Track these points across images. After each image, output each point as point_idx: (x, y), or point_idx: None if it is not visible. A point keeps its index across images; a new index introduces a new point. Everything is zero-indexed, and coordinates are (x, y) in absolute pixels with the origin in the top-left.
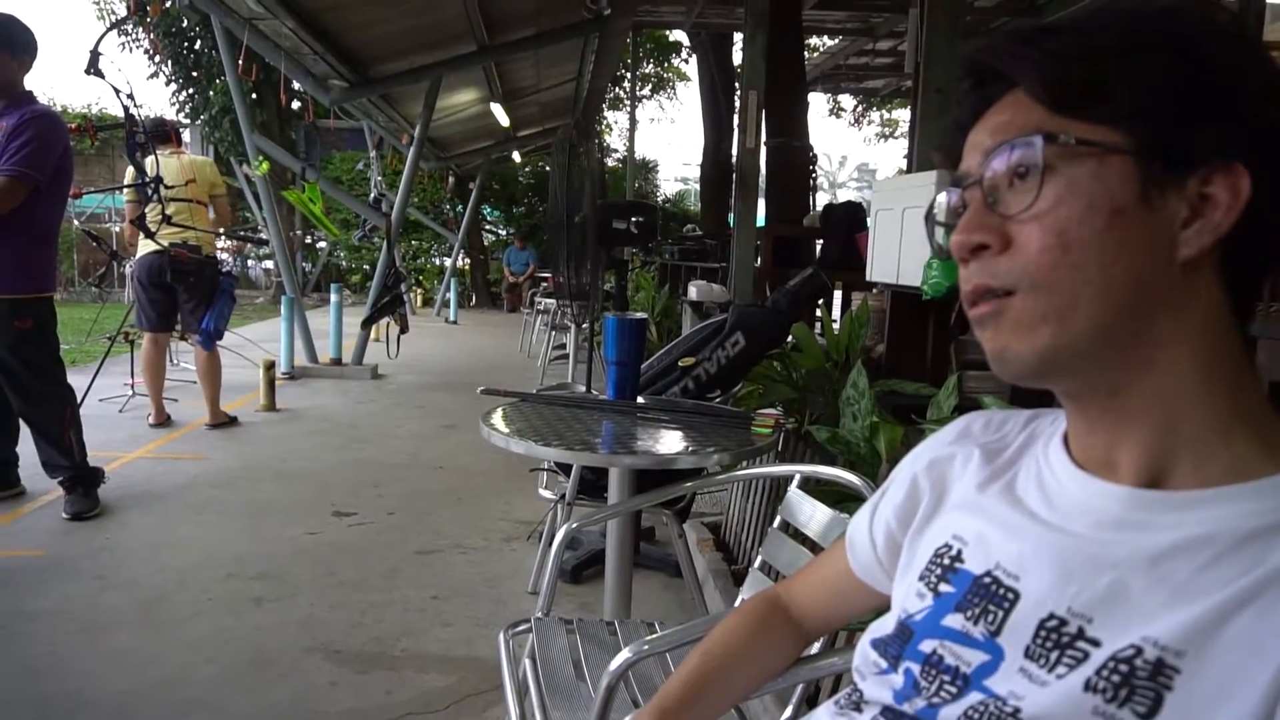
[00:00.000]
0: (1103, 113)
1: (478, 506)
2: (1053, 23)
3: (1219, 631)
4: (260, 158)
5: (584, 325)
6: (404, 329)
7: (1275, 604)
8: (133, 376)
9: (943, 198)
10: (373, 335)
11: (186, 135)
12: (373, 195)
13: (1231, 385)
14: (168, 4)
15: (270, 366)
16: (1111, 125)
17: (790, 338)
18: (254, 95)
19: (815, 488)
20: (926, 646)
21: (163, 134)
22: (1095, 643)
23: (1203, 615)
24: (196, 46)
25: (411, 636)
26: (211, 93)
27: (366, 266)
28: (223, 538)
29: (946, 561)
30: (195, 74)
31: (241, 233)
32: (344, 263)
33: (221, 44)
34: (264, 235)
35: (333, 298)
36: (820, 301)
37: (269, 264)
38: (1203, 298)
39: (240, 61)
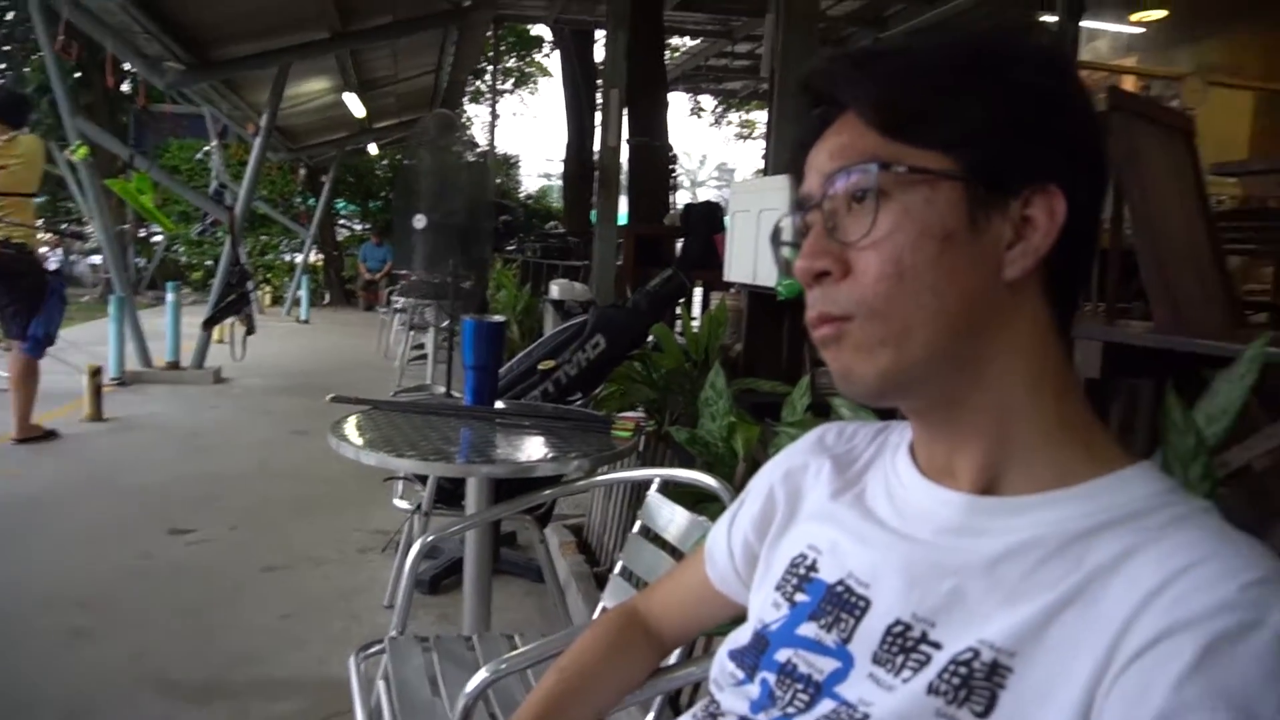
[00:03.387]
0: (931, 138)
1: (331, 517)
2: (883, 47)
3: (1045, 631)
4: (79, 141)
5: (443, 325)
6: (250, 329)
7: (1093, 603)
8: None
9: (788, 220)
10: (215, 336)
11: None
12: (213, 187)
13: (1056, 395)
14: None
15: (96, 372)
16: (939, 150)
17: (651, 338)
18: (78, 74)
19: (675, 489)
20: (782, 656)
21: None
22: (937, 646)
23: (1031, 617)
24: (8, 18)
25: (258, 661)
26: (27, 69)
27: (209, 263)
28: (39, 565)
29: (802, 571)
30: (7, 48)
31: (64, 227)
32: (183, 258)
33: (36, 17)
34: (89, 229)
35: (169, 296)
36: (680, 301)
37: (96, 259)
38: (1028, 314)
39: (60, 37)
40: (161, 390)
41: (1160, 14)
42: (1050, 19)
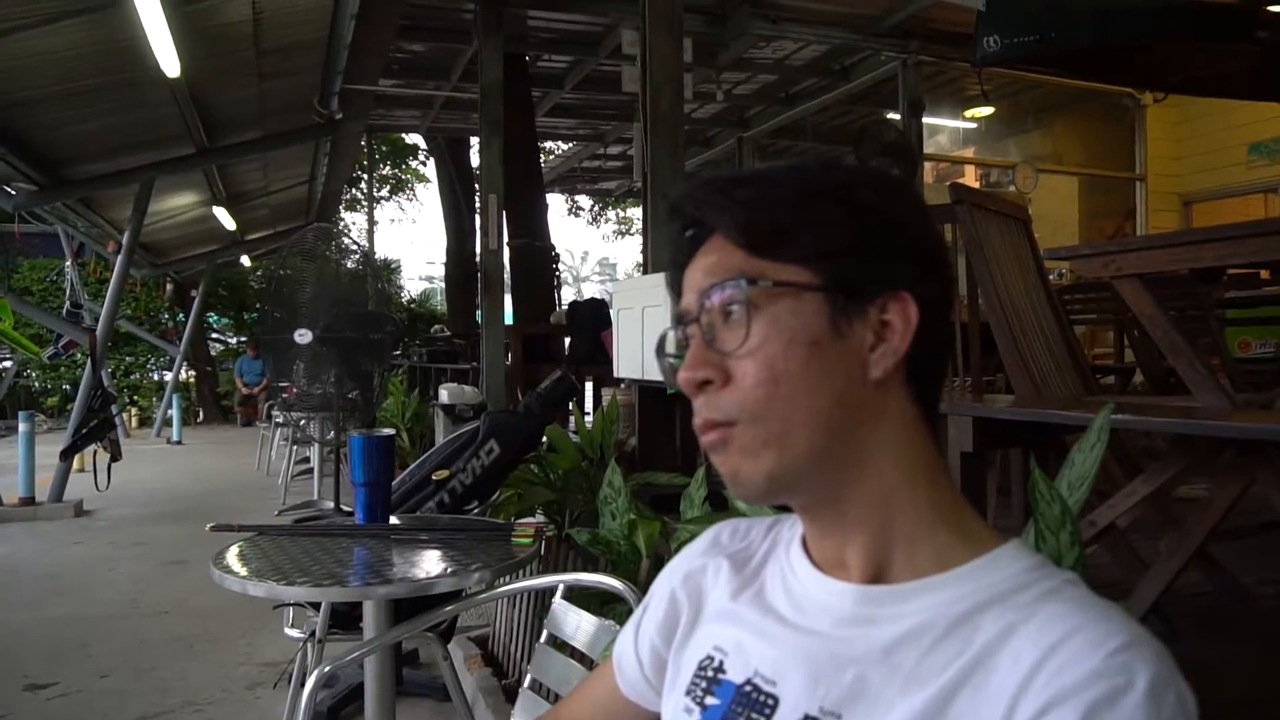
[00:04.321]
0: (791, 254)
1: (214, 653)
2: (740, 175)
3: (945, 712)
4: None
5: (329, 438)
6: (115, 456)
7: (985, 681)
8: None
9: (671, 334)
10: (76, 466)
11: None
12: (65, 307)
13: (929, 482)
14: None
15: None
16: (799, 265)
17: (545, 439)
18: None
19: (580, 592)
20: None
21: None
22: None
23: (930, 700)
24: None
25: None
26: None
27: (67, 387)
28: None
29: (710, 674)
30: None
31: None
32: (36, 384)
33: None
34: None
35: (21, 426)
36: (573, 399)
37: None
38: (895, 409)
39: None
40: (14, 529)
41: (988, 110)
42: (895, 116)
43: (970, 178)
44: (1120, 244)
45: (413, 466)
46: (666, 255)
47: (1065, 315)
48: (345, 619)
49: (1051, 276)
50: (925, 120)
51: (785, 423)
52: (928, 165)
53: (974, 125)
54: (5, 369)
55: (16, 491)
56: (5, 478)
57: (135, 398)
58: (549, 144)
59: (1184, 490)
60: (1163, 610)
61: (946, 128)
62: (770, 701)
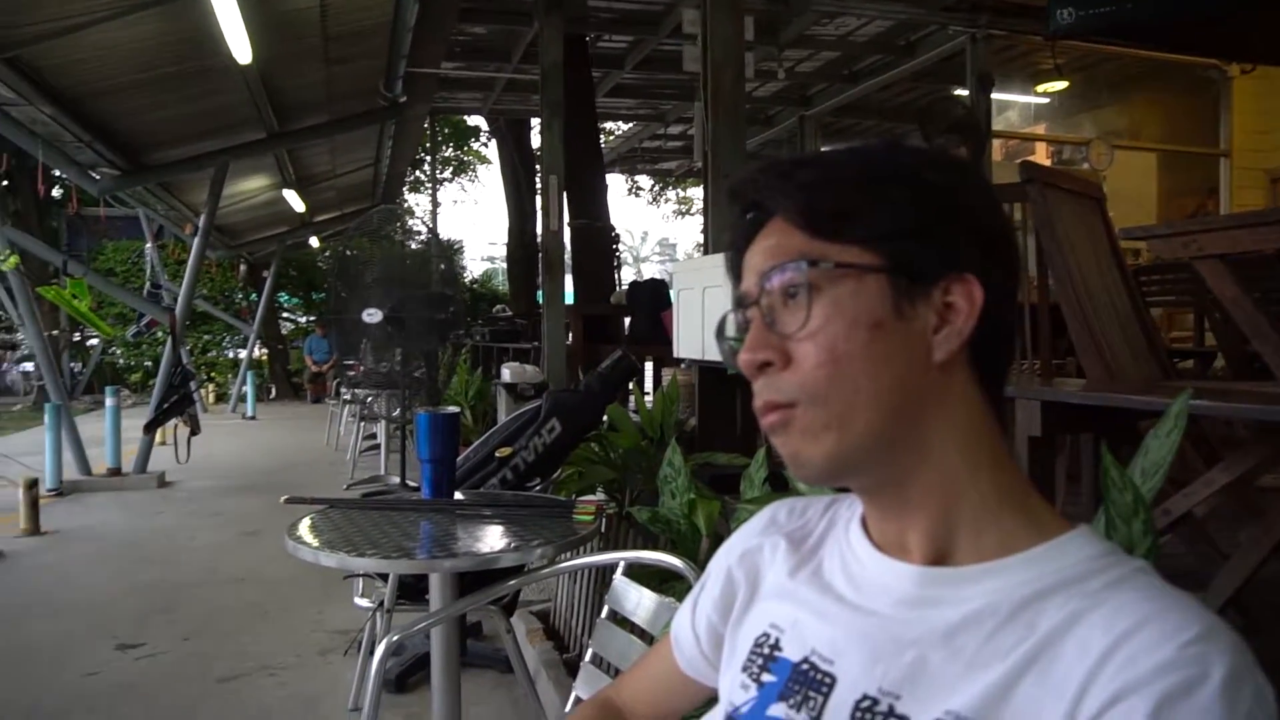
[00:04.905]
0: (853, 236)
1: (288, 620)
2: (801, 158)
3: (1007, 698)
4: (7, 251)
5: (394, 415)
6: (195, 430)
7: (1049, 668)
8: None
9: (731, 317)
10: (158, 439)
11: None
12: (146, 287)
13: (992, 466)
14: None
15: (32, 484)
16: (862, 246)
17: (605, 419)
18: (6, 182)
19: (640, 570)
20: None
21: None
22: (905, 719)
23: (993, 684)
24: None
25: None
26: None
27: (148, 364)
28: None
29: (766, 651)
30: None
31: None
32: (121, 361)
33: None
34: (20, 337)
35: (108, 401)
36: (634, 379)
37: (28, 366)
38: (959, 393)
39: None
40: (103, 499)
41: (1061, 85)
42: (963, 93)
43: (1041, 155)
44: (1202, 223)
45: (476, 444)
46: (726, 237)
47: (1142, 297)
48: (412, 590)
49: (1129, 258)
50: (994, 96)
51: (846, 405)
52: (996, 143)
53: (1046, 100)
54: (93, 346)
55: (105, 462)
56: (94, 449)
57: (212, 374)
58: (609, 124)
59: (1266, 480)
60: (1241, 603)
61: (1017, 103)
62: (828, 680)
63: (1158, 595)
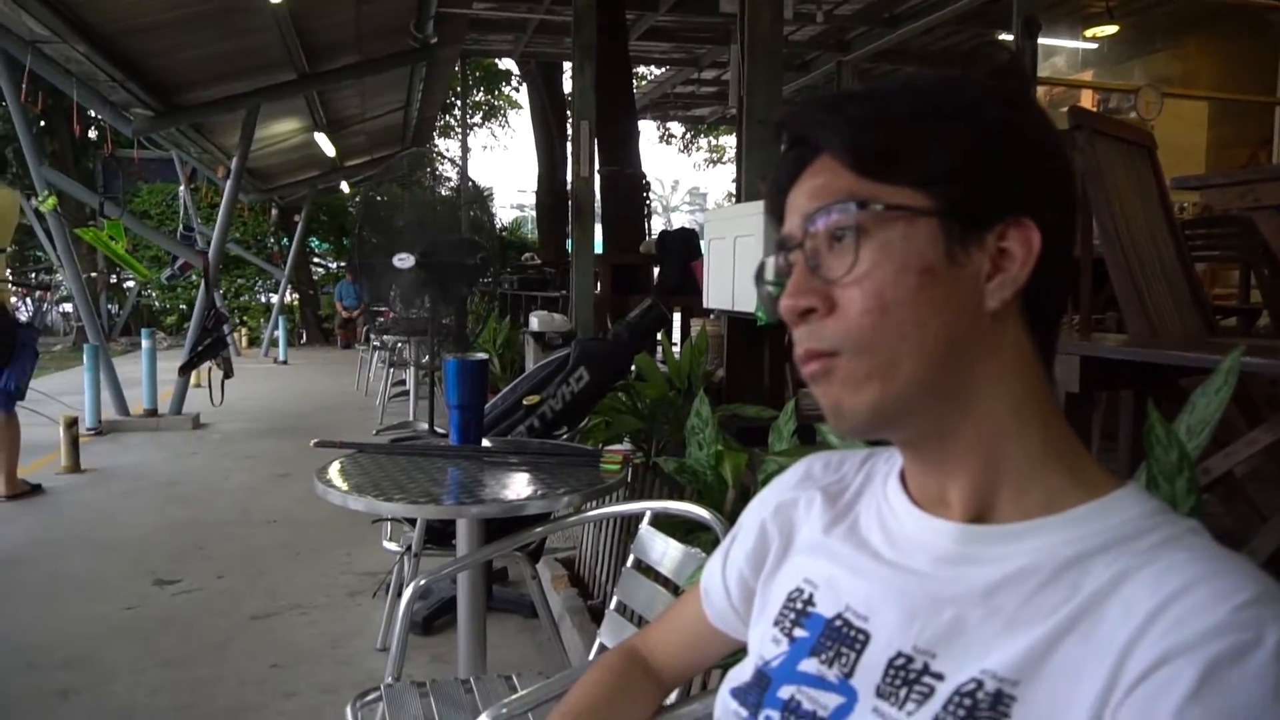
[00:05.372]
0: (905, 176)
1: (318, 561)
2: (854, 91)
3: (1047, 659)
4: (46, 192)
5: (423, 362)
6: (228, 373)
7: (1091, 629)
8: None
9: (771, 260)
10: (193, 381)
11: None
12: (179, 230)
13: (1041, 422)
14: None
15: (73, 423)
16: (914, 188)
17: (633, 368)
18: (42, 123)
19: (666, 520)
20: (785, 693)
21: None
22: (940, 677)
23: (1032, 645)
24: None
25: (248, 713)
26: None
27: (183, 306)
28: (19, 624)
29: (799, 606)
30: None
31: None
32: (156, 304)
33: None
34: (59, 278)
35: (144, 343)
36: (662, 329)
37: (68, 307)
38: (1010, 343)
39: (24, 86)
40: (140, 438)
41: (1112, 29)
42: (1007, 38)
43: (1087, 102)
44: (1261, 171)
45: (505, 391)
46: (769, 176)
47: (1188, 251)
48: (439, 535)
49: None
50: (1040, 41)
51: (892, 354)
52: (1041, 90)
53: (1094, 46)
54: (130, 289)
55: (141, 403)
56: (131, 390)
57: (244, 318)
58: (641, 69)
59: None
60: (1278, 566)
61: (1064, 49)
62: (861, 637)
63: (1210, 556)
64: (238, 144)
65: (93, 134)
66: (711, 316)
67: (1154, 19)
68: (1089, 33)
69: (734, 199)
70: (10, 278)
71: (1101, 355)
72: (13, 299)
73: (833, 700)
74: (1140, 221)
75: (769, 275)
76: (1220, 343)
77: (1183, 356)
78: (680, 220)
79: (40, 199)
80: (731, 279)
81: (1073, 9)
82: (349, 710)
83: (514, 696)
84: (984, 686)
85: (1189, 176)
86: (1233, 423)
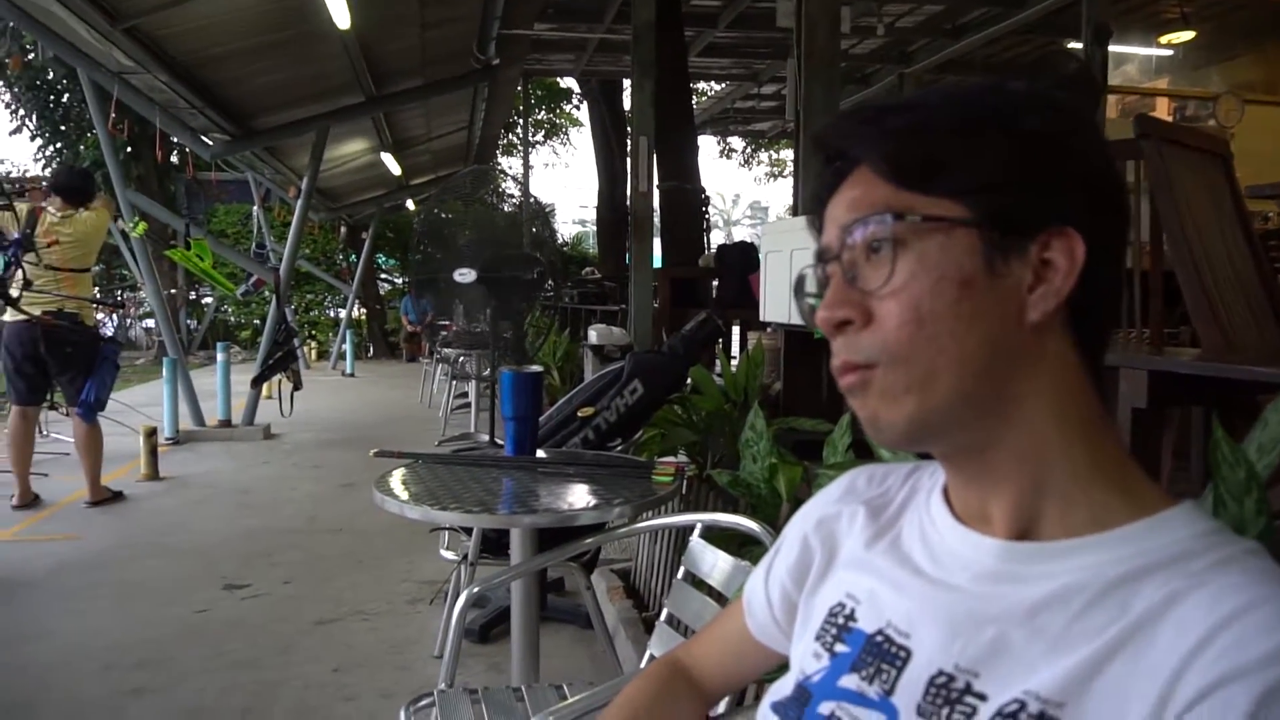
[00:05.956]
0: (943, 187)
1: (379, 569)
2: (892, 102)
3: (1093, 681)
4: (136, 217)
5: (484, 374)
6: (298, 385)
7: (1141, 651)
8: None
9: (810, 271)
10: (264, 393)
11: None
12: (253, 247)
13: (1087, 437)
14: (29, 57)
15: (152, 433)
16: (953, 199)
17: (689, 381)
18: (129, 149)
19: (718, 533)
20: (825, 709)
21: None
22: (982, 697)
23: (1078, 666)
24: (65, 99)
25: (310, 715)
26: (82, 147)
27: (257, 321)
28: (97, 625)
29: (841, 621)
30: (63, 128)
31: (118, 294)
32: (232, 319)
33: (90, 98)
34: (142, 294)
35: (219, 356)
36: (717, 342)
37: (149, 322)
38: (1053, 356)
39: (112, 115)
40: (214, 448)
41: (1188, 35)
42: (1076, 46)
43: (1163, 111)
44: None
45: (560, 403)
46: (809, 189)
47: (1270, 264)
48: (495, 545)
49: (1258, 221)
50: (1111, 48)
51: (929, 366)
52: (1112, 99)
53: (1169, 53)
54: (208, 304)
55: (216, 415)
56: (207, 402)
57: (314, 333)
58: (701, 85)
59: None
60: None
61: (1136, 56)
62: (903, 654)
63: (1269, 579)
64: (308, 164)
65: (174, 159)
66: (768, 329)
67: (1233, 23)
68: (1164, 39)
69: (792, 212)
70: (98, 295)
71: (1170, 369)
72: (98, 315)
73: (873, 717)
74: (1214, 232)
75: (809, 287)
76: None
77: (1255, 371)
78: (741, 234)
79: (130, 224)
80: (788, 291)
81: (1146, 15)
82: (403, 714)
83: (562, 704)
84: (1027, 708)
85: (1262, 186)
86: None
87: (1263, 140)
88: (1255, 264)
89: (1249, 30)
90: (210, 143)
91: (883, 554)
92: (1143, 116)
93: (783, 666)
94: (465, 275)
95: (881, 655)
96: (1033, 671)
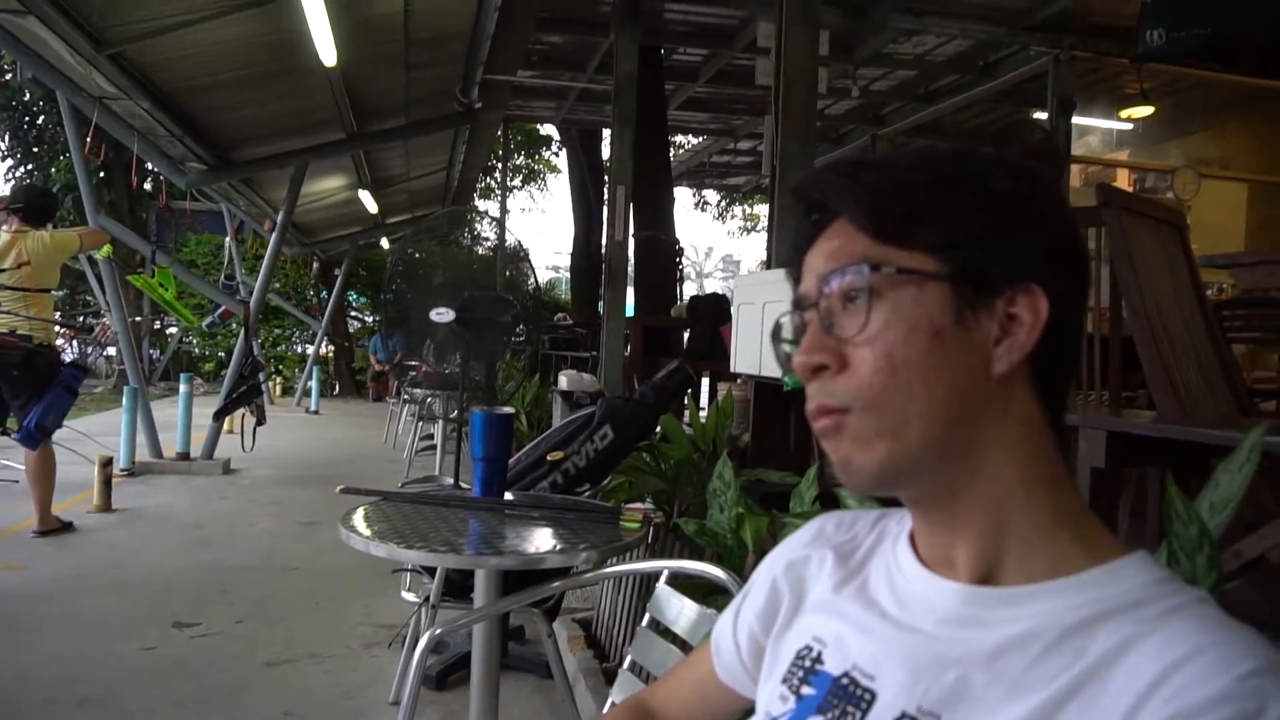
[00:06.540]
0: (917, 241)
1: (336, 610)
2: (868, 160)
3: None
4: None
5: (452, 416)
6: (261, 420)
7: (1096, 696)
8: None
9: (787, 319)
10: (226, 427)
11: None
12: (222, 279)
13: (1049, 486)
14: (7, 77)
15: (107, 463)
16: (927, 252)
17: (658, 429)
18: (102, 174)
19: (684, 581)
20: None
21: None
22: None
23: (1036, 709)
24: (40, 121)
25: None
26: (54, 170)
27: (222, 354)
28: (38, 660)
29: (807, 664)
30: (36, 150)
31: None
32: (196, 350)
33: (67, 121)
34: (106, 321)
35: (182, 388)
36: (687, 392)
37: (111, 350)
38: (1018, 408)
39: (88, 140)
40: (171, 481)
41: (1148, 110)
42: (1042, 116)
43: (1123, 182)
44: None
45: (529, 446)
46: (788, 239)
47: (1223, 331)
48: (458, 588)
49: (1211, 290)
50: (1075, 120)
51: (900, 413)
52: (1075, 169)
53: (1130, 126)
54: (172, 334)
55: (175, 446)
56: (166, 434)
57: (280, 368)
58: (679, 137)
59: None
60: None
61: (1098, 129)
62: (867, 696)
63: (1216, 625)
64: (285, 198)
65: (148, 186)
66: (739, 380)
67: (1190, 101)
68: (1124, 113)
69: (766, 265)
70: (59, 318)
71: (1128, 430)
72: (59, 340)
73: None
74: (1170, 300)
75: (785, 333)
76: (1249, 422)
77: (1208, 434)
78: (713, 286)
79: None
80: (760, 344)
81: (1109, 90)
82: None
83: None
84: None
85: (1216, 255)
86: (1268, 507)
87: (1217, 213)
88: (1209, 332)
89: (1206, 108)
90: (187, 172)
91: (850, 598)
92: (1104, 185)
93: (748, 711)
94: (443, 315)
95: (847, 697)
96: (992, 714)
